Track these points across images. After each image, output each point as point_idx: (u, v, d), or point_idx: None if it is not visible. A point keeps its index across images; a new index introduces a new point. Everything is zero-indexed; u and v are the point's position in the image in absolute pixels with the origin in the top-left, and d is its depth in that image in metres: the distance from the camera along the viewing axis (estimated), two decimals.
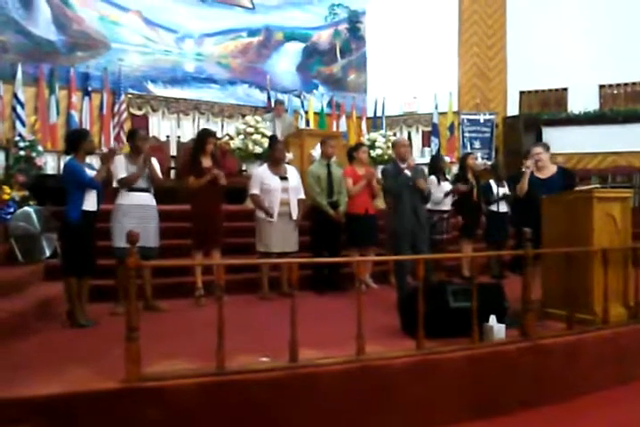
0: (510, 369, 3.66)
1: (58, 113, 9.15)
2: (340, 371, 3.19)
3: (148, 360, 2.93)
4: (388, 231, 5.64)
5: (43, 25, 9.29)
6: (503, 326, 3.80)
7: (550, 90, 11.51)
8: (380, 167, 8.41)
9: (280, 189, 5.52)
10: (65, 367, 3.14)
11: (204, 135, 5.46)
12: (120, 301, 4.76)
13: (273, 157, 5.68)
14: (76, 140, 4.46)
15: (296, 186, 5.65)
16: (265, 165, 5.70)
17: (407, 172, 5.30)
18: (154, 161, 5.01)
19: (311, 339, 3.31)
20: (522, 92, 11.75)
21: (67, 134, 5.00)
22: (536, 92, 11.65)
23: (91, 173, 4.40)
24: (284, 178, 5.55)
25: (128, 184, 4.82)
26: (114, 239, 4.78)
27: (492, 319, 3.79)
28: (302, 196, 5.74)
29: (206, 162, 5.31)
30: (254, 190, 5.60)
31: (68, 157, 4.56)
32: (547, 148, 5.67)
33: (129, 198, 4.83)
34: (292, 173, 5.70)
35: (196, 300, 5.24)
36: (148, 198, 4.96)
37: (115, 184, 4.86)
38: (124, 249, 4.61)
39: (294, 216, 5.57)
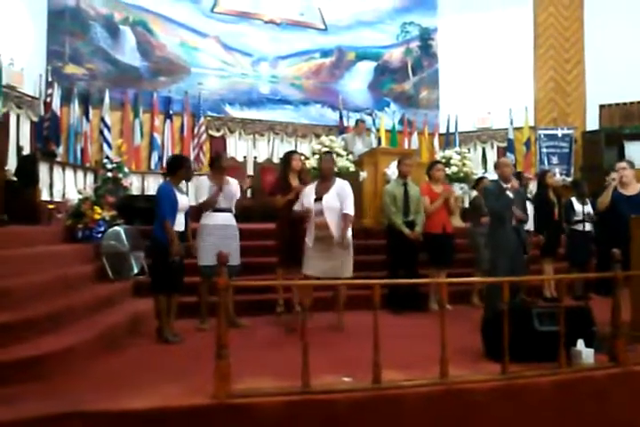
0: (600, 396, 3.53)
1: (142, 135, 9.67)
2: (424, 394, 3.18)
3: (233, 376, 3.00)
4: (489, 250, 5.35)
5: (128, 53, 9.85)
6: (592, 350, 3.68)
7: (632, 103, 11.06)
8: (457, 185, 8.37)
9: (315, 212, 4.99)
10: (155, 382, 3.28)
11: (288, 153, 5.73)
12: (204, 317, 4.93)
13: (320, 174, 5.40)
14: (175, 167, 4.72)
15: (331, 206, 4.98)
16: (314, 183, 5.24)
17: (509, 193, 5.13)
18: (234, 182, 5.21)
19: (392, 359, 3.31)
20: (602, 106, 11.34)
21: (168, 159, 5.52)
22: (617, 105, 11.23)
23: (181, 197, 4.62)
24: (318, 199, 5.01)
25: (209, 207, 5.05)
26: (198, 257, 4.96)
27: (580, 344, 3.68)
28: (347, 211, 4.98)
29: (294, 181, 5.45)
30: (295, 207, 5.24)
31: (163, 180, 4.85)
32: (631, 164, 5.58)
33: (212, 219, 5.06)
34: (333, 190, 5.06)
35: (277, 316, 5.35)
36: (229, 218, 5.16)
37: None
38: (208, 267, 4.84)
39: (336, 236, 4.89)
